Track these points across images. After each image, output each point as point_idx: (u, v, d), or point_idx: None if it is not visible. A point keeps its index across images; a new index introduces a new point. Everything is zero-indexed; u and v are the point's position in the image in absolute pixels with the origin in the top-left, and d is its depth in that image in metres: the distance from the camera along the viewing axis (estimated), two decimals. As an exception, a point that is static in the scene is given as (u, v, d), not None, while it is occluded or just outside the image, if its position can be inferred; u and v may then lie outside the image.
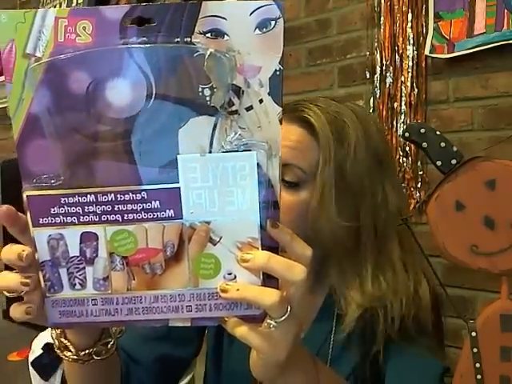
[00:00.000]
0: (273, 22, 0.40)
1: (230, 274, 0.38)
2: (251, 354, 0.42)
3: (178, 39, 0.36)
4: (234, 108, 0.37)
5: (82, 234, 0.38)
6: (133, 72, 0.35)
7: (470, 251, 0.62)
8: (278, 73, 0.40)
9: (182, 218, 0.37)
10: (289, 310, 0.38)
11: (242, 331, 0.39)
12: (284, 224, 0.60)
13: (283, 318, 0.38)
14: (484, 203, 0.62)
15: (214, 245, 0.38)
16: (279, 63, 0.40)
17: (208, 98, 0.36)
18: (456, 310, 0.71)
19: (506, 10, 1.02)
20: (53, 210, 0.38)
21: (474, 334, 0.61)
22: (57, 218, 0.38)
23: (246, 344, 0.40)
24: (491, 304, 0.63)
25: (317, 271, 0.69)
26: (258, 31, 0.38)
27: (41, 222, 0.38)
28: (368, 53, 1.24)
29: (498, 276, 0.63)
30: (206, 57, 0.36)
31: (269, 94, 0.38)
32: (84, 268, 0.38)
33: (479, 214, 0.62)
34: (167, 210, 0.37)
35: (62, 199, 0.38)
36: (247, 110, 0.37)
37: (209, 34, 0.36)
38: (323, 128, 0.62)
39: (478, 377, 0.60)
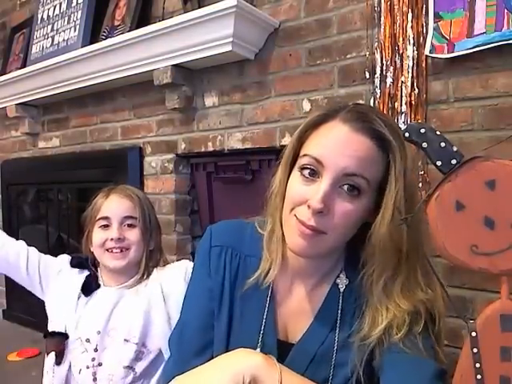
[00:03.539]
0: None
1: None
2: None
3: None
4: None
5: None
6: None
7: (470, 251, 0.62)
8: None
9: None
10: None
11: None
12: (339, 231, 0.65)
13: None
14: (484, 203, 0.62)
15: None
16: None
17: None
18: (456, 310, 0.71)
19: (505, 10, 1.02)
20: None
21: (474, 334, 0.61)
22: None
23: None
24: (491, 304, 0.63)
25: (332, 265, 0.73)
26: None
27: None
28: (368, 53, 1.24)
29: (498, 276, 0.63)
30: None
31: None
32: None
33: (479, 213, 0.62)
34: None
35: None
36: None
37: None
38: (395, 143, 0.64)
39: (478, 377, 0.60)
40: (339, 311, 0.69)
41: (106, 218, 1.08)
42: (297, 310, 0.73)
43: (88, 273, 1.12)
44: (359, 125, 0.64)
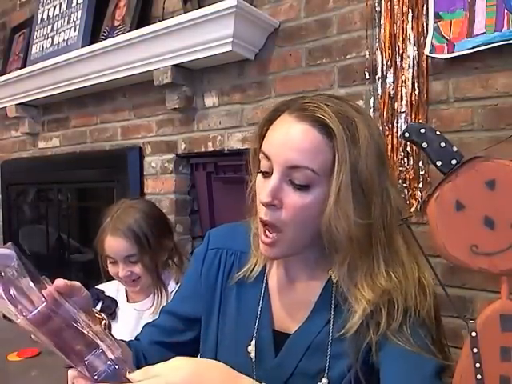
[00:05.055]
0: None
1: None
2: None
3: None
4: None
5: None
6: None
7: (470, 251, 0.62)
8: None
9: None
10: None
11: None
12: (294, 225, 0.64)
13: None
14: (484, 203, 0.62)
15: None
16: None
17: None
18: (456, 310, 0.71)
19: (505, 10, 1.02)
20: None
21: (474, 334, 0.61)
22: None
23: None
24: (491, 304, 0.63)
25: (318, 259, 0.72)
26: None
27: None
28: (368, 53, 1.24)
29: (498, 276, 0.63)
30: None
31: None
32: None
33: (479, 213, 0.62)
34: None
35: None
36: None
37: None
38: (338, 129, 0.62)
39: (478, 377, 0.60)
40: (333, 303, 0.69)
41: (111, 257, 1.18)
42: (295, 302, 0.73)
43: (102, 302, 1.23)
44: (301, 114, 0.64)
